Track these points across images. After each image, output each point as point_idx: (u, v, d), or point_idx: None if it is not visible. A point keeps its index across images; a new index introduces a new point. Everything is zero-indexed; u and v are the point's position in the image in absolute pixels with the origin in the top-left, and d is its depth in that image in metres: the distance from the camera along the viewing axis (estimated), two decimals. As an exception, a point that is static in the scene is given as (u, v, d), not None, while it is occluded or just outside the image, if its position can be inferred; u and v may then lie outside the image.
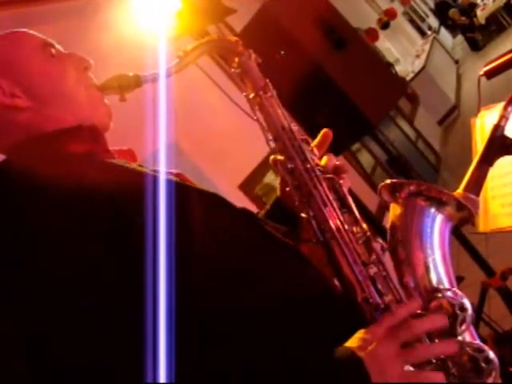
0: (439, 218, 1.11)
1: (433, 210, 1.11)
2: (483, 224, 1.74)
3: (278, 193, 1.29)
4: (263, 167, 3.48)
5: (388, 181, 1.15)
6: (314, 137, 1.23)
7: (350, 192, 1.15)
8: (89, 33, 2.60)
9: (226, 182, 3.18)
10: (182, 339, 0.84)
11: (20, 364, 0.86)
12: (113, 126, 1.20)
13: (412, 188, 1.12)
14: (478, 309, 2.67)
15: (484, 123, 1.88)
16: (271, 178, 3.56)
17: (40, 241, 0.87)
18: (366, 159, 5.81)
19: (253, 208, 1.33)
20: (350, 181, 1.19)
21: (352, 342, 0.90)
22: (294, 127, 1.14)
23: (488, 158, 1.30)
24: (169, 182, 1.00)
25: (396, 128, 7.27)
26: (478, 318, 2.67)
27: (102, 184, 0.95)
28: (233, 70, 1.21)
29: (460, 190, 1.23)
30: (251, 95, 1.18)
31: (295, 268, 1.05)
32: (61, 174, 0.94)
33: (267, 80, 1.18)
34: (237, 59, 1.20)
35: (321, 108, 2.69)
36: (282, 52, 2.17)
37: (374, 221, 2.55)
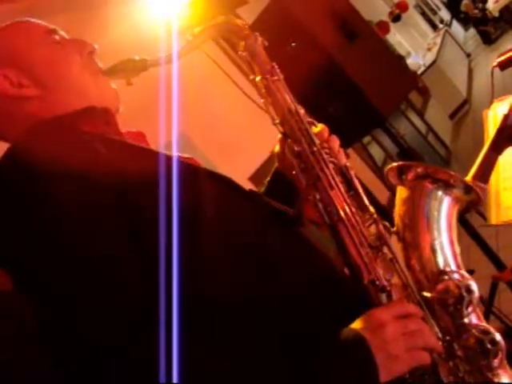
0: (446, 200, 1.11)
1: (440, 192, 1.11)
2: (495, 216, 1.73)
3: (277, 164, 1.29)
4: (274, 159, 3.46)
5: (395, 164, 1.15)
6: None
7: (360, 181, 1.15)
8: (100, 23, 2.60)
9: (236, 173, 3.18)
10: (192, 325, 0.85)
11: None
12: (123, 117, 1.20)
13: (419, 170, 1.12)
14: (489, 302, 2.66)
15: (497, 115, 1.87)
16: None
17: (56, 220, 0.88)
18: (376, 152, 5.79)
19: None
20: (361, 174, 1.20)
21: (358, 324, 0.91)
22: (301, 110, 1.14)
23: (497, 147, 1.30)
24: (183, 164, 1.01)
25: (406, 121, 7.23)
26: (488, 312, 2.66)
27: (117, 162, 0.95)
28: (239, 53, 1.21)
29: (468, 178, 1.24)
30: (258, 78, 1.18)
31: (302, 252, 1.06)
32: (76, 153, 0.95)
33: (274, 63, 1.19)
34: (243, 42, 1.20)
35: (332, 100, 2.68)
36: (294, 44, 2.17)
37: (385, 213, 2.54)
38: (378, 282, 0.96)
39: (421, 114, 8.00)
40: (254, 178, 3.32)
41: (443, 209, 1.10)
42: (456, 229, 1.12)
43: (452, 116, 8.78)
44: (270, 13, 2.80)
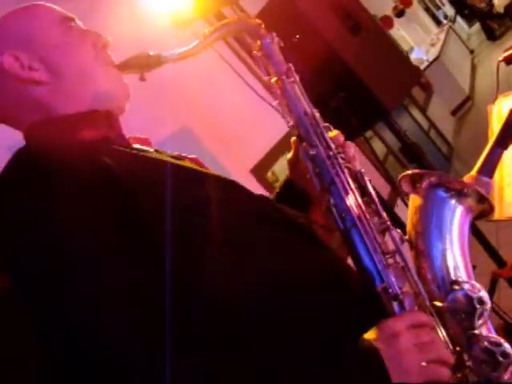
0: (459, 209, 1.11)
1: (453, 201, 1.10)
2: (498, 211, 1.72)
3: (289, 174, 1.28)
4: (276, 152, 3.47)
5: (409, 171, 1.14)
6: (328, 122, 1.22)
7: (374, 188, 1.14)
8: (102, 15, 2.59)
9: (237, 165, 3.18)
10: (191, 329, 0.85)
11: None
12: (128, 111, 1.19)
13: (433, 179, 1.11)
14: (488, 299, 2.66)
15: (502, 110, 1.87)
16: (283, 164, 3.55)
17: (53, 227, 0.86)
18: (378, 147, 5.78)
19: (264, 193, 1.33)
20: (363, 168, 1.19)
21: (371, 334, 0.90)
22: (316, 113, 1.13)
23: (503, 142, 1.30)
24: (183, 169, 0.99)
25: (409, 117, 7.22)
26: (488, 308, 2.66)
27: (114, 170, 0.93)
28: (254, 53, 1.19)
29: (473, 172, 1.23)
30: (273, 79, 1.16)
31: (314, 253, 1.05)
32: (75, 161, 0.93)
33: (290, 64, 1.17)
34: (259, 42, 1.18)
35: (336, 93, 2.67)
36: (297, 36, 2.16)
37: (387, 208, 2.54)
38: (390, 290, 0.95)
39: (423, 110, 7.98)
40: (256, 170, 3.33)
41: (456, 218, 1.10)
42: (468, 238, 1.11)
43: (454, 112, 8.76)
44: (274, 5, 2.78)
